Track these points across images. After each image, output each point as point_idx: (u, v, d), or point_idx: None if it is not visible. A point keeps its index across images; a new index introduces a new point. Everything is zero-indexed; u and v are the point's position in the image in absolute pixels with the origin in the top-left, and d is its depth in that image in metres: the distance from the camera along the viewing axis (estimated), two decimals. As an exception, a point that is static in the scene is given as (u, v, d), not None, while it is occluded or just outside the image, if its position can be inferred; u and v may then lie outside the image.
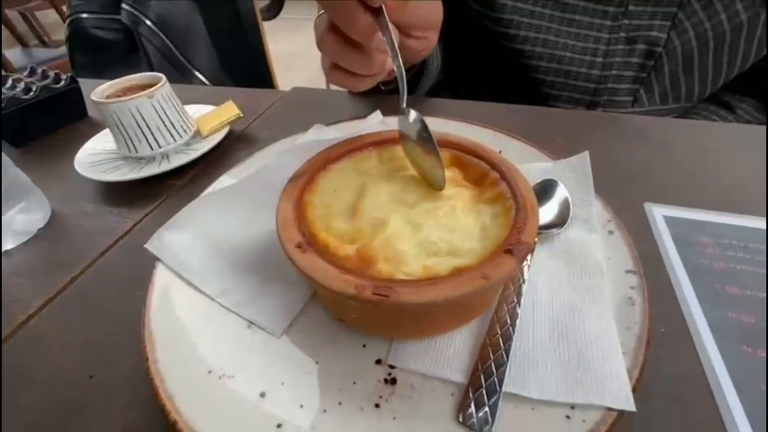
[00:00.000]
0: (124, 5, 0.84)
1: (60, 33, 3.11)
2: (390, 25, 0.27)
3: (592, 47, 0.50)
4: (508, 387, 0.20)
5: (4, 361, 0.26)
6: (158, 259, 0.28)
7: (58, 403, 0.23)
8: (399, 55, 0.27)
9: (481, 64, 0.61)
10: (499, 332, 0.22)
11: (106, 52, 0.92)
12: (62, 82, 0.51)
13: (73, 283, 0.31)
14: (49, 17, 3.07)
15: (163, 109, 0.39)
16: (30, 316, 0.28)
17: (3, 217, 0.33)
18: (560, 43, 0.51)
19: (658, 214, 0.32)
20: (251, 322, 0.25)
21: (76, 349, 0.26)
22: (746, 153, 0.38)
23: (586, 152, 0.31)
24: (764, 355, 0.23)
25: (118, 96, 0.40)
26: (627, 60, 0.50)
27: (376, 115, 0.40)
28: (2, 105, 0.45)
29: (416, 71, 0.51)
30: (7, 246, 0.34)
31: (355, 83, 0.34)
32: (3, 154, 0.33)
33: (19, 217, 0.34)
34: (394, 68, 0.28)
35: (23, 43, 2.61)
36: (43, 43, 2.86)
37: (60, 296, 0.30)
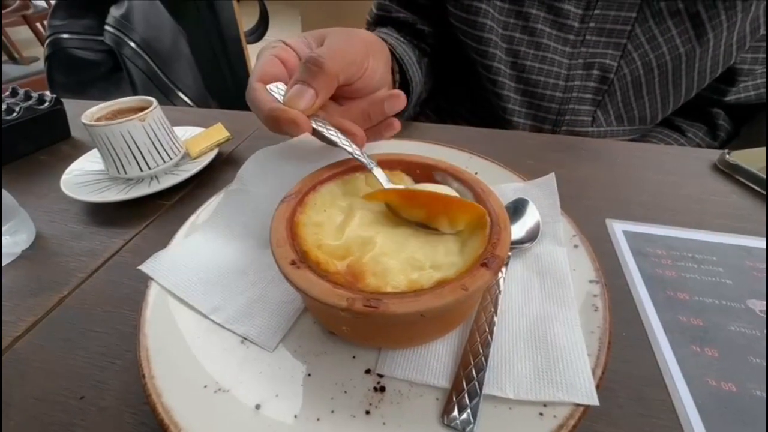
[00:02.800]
0: (107, 27, 0.85)
1: (31, 49, 3.04)
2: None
3: (555, 71, 0.55)
4: (487, 389, 0.22)
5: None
6: (151, 278, 0.28)
7: (48, 426, 0.23)
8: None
9: (461, 81, 0.65)
10: (479, 339, 0.24)
11: (87, 71, 0.92)
12: (46, 103, 0.51)
13: (61, 305, 0.31)
14: (20, 34, 3.01)
15: (153, 132, 0.40)
16: (16, 338, 0.28)
17: (-12, 240, 0.33)
18: (527, 65, 0.55)
19: (618, 228, 0.35)
20: (244, 338, 0.26)
21: (65, 371, 0.26)
22: (694, 174, 0.43)
23: (552, 174, 0.35)
24: (710, 353, 0.25)
25: (108, 119, 0.41)
26: (585, 84, 0.56)
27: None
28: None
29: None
30: (-10, 268, 0.33)
31: None
32: (-10, 177, 0.33)
33: (3, 238, 0.34)
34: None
35: (-7, 60, 2.54)
36: (14, 60, 2.78)
37: (47, 318, 0.30)
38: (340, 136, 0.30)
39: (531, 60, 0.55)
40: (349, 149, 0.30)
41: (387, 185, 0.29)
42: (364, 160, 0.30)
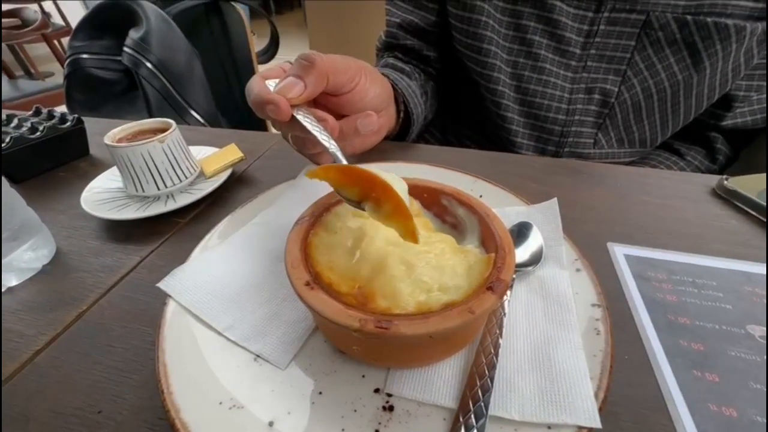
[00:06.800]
0: (126, 48, 0.89)
1: (47, 65, 3.14)
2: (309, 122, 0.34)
3: (558, 94, 0.57)
4: (493, 410, 0.22)
5: (10, 399, 0.26)
6: (169, 296, 0.29)
7: (67, 438, 0.24)
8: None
9: (466, 102, 0.68)
10: (484, 361, 0.25)
11: (104, 90, 0.95)
12: (68, 123, 0.53)
13: (80, 319, 0.32)
14: (36, 50, 3.11)
15: (172, 153, 0.42)
16: (36, 352, 0.29)
17: (12, 255, 0.34)
18: (530, 89, 0.58)
19: (620, 252, 0.36)
20: (257, 355, 0.27)
21: (83, 386, 0.27)
22: (694, 199, 0.44)
23: (555, 198, 0.36)
24: (711, 378, 0.26)
25: (129, 140, 0.43)
26: (587, 107, 0.58)
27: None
28: (10, 144, 0.47)
29: (404, 123, 0.57)
30: (12, 283, 0.35)
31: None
32: (17, 194, 0.35)
33: (26, 254, 0.35)
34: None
35: (9, 75, 2.62)
36: (29, 75, 2.87)
37: (66, 332, 0.31)
38: (313, 123, 0.34)
39: (534, 84, 0.57)
40: (317, 133, 0.33)
41: (344, 162, 0.32)
42: (327, 144, 0.33)
